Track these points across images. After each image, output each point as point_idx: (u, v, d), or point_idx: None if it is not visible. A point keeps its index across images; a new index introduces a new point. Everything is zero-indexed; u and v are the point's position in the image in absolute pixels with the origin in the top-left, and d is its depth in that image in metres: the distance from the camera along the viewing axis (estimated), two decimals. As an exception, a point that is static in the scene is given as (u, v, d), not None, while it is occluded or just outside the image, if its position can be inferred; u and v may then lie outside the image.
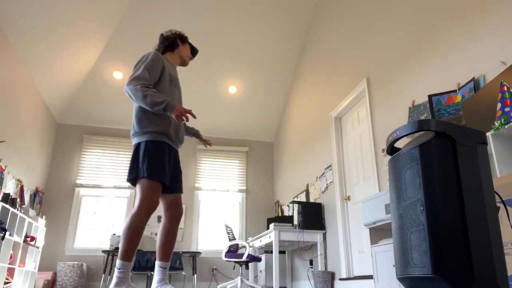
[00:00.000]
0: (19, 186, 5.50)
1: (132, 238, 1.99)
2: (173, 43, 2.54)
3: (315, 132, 5.74)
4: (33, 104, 5.89)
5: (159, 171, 2.13)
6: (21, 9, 4.69)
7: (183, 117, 2.10)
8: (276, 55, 6.71)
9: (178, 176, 2.38)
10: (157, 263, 2.26)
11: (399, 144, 3.36)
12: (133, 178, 2.15)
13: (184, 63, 2.62)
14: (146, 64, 2.24)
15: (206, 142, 2.75)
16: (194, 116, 2.12)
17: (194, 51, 2.70)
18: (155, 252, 6.19)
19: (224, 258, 4.70)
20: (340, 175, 4.85)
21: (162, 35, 2.56)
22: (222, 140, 7.86)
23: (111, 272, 6.37)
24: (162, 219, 2.33)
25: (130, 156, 7.35)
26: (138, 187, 2.12)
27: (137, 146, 2.21)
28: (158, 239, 2.29)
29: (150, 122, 2.21)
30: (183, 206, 7.16)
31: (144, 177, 2.10)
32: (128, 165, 7.27)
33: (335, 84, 5.23)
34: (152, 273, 6.09)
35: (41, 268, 6.17)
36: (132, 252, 2.00)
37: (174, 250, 6.61)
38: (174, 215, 2.33)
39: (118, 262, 1.98)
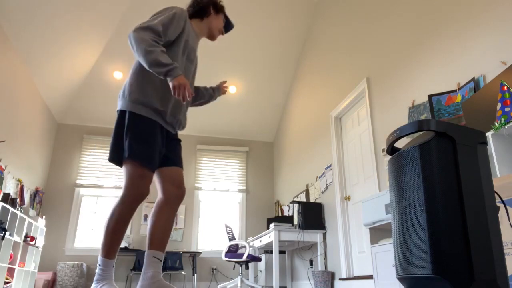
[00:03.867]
0: (19, 186, 5.49)
1: (114, 233, 1.67)
2: (204, 10, 2.09)
3: (315, 132, 5.74)
4: (33, 104, 5.89)
5: (145, 154, 1.73)
6: (22, 9, 4.69)
7: (182, 95, 1.69)
8: (276, 55, 6.71)
9: (177, 151, 1.95)
10: (150, 252, 1.76)
11: (399, 144, 3.36)
12: (115, 158, 1.77)
13: (212, 36, 2.16)
14: (164, 17, 1.84)
15: (224, 89, 2.30)
16: (190, 96, 1.72)
17: (228, 26, 2.24)
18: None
19: (224, 258, 4.70)
20: (340, 175, 4.85)
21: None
22: (222, 140, 7.86)
23: (111, 272, 6.37)
24: (159, 199, 1.87)
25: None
26: (124, 170, 1.74)
27: (121, 115, 1.80)
28: (151, 223, 1.83)
29: (144, 90, 1.80)
30: (183, 206, 7.16)
31: (127, 158, 1.72)
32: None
33: (335, 84, 5.23)
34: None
35: (41, 268, 6.17)
36: (115, 248, 1.69)
37: (174, 250, 6.61)
38: (176, 194, 1.87)
39: (99, 258, 1.69)
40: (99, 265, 1.68)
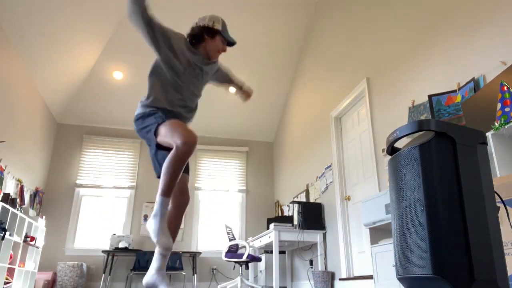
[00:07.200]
0: (19, 186, 5.49)
1: (175, 173, 1.88)
2: (199, 38, 2.25)
3: (315, 132, 5.74)
4: (33, 104, 5.89)
5: (170, 113, 2.07)
6: (22, 10, 4.69)
7: None
8: (276, 55, 6.71)
9: None
10: (158, 249, 1.95)
11: (399, 144, 3.36)
12: (155, 144, 2.04)
13: (209, 57, 2.31)
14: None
15: (245, 95, 2.62)
16: None
17: (229, 44, 2.37)
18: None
19: (224, 258, 4.70)
20: (340, 175, 4.85)
21: (192, 25, 2.33)
22: (222, 140, 7.86)
23: (111, 272, 6.37)
24: (169, 207, 2.07)
25: (131, 156, 7.27)
26: (161, 138, 1.99)
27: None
28: None
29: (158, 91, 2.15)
30: (183, 206, 7.15)
31: (158, 126, 1.99)
32: (128, 166, 7.29)
33: (335, 84, 5.22)
34: (152, 273, 6.08)
35: (41, 268, 6.17)
36: (172, 189, 1.90)
37: (174, 250, 6.60)
38: (180, 201, 2.12)
39: (159, 197, 1.85)
40: (159, 203, 1.83)
